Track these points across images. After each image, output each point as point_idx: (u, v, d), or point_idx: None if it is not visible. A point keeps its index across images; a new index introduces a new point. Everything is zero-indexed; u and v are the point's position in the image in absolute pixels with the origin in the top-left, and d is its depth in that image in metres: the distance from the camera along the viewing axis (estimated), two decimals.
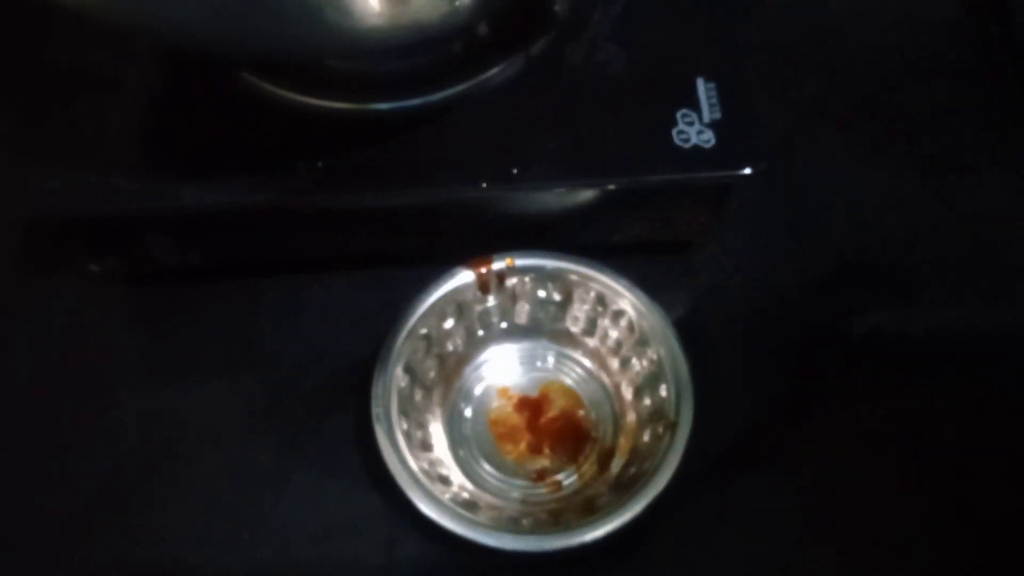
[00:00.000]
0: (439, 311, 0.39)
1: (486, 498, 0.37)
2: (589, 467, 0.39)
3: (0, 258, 0.45)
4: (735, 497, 0.38)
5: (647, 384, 0.38)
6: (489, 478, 0.39)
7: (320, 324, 0.43)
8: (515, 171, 0.37)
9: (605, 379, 0.40)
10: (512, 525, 0.35)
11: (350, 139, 0.38)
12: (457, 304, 0.39)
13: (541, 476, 0.38)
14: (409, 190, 0.38)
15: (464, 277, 0.39)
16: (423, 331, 0.38)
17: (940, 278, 0.43)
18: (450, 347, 0.40)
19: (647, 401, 0.38)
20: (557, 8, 0.41)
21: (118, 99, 0.39)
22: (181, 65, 0.40)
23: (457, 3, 0.31)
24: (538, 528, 0.35)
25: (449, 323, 0.39)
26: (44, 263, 0.45)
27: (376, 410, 0.36)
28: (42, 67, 0.40)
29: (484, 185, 0.37)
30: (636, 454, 0.37)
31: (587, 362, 0.41)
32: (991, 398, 0.40)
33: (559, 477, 0.38)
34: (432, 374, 0.40)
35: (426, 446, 0.38)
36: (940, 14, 0.51)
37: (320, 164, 0.37)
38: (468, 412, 0.40)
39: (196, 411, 0.41)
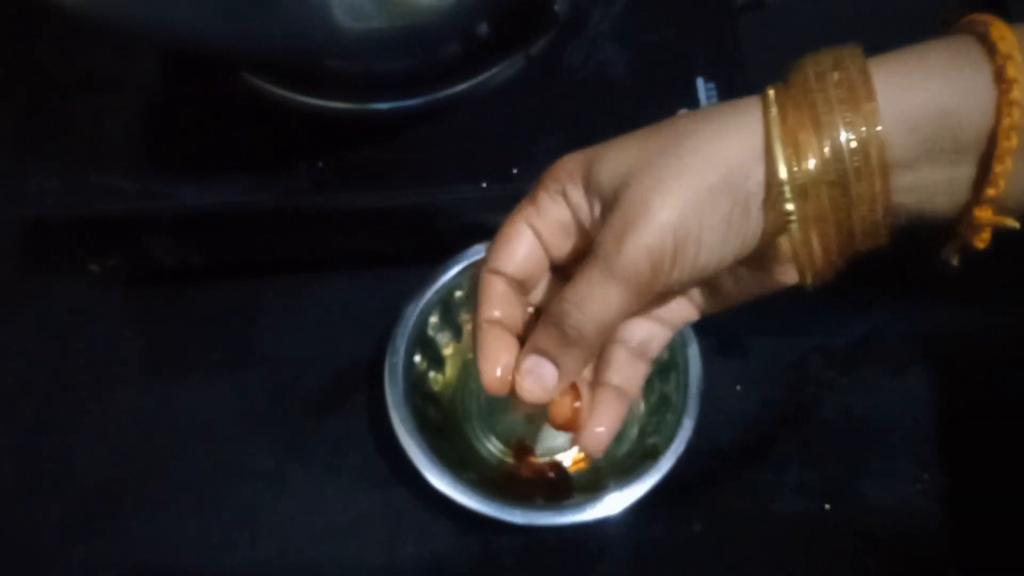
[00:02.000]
0: (458, 284, 0.39)
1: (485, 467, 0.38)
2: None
3: (0, 258, 0.45)
4: (734, 495, 0.38)
5: (658, 374, 0.38)
6: (494, 451, 0.39)
7: (320, 324, 0.43)
8: (515, 171, 0.37)
9: None
10: (517, 500, 0.35)
11: (350, 139, 0.38)
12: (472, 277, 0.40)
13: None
14: (409, 190, 0.38)
15: (481, 252, 0.39)
16: (439, 298, 0.39)
17: (940, 278, 0.43)
18: (466, 317, 0.41)
19: (656, 389, 0.39)
20: (557, 8, 0.41)
21: (118, 99, 0.39)
22: (181, 65, 0.40)
23: (457, 3, 0.31)
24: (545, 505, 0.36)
25: (464, 294, 0.40)
26: (44, 263, 0.45)
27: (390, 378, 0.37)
28: (42, 67, 0.40)
29: (484, 185, 0.37)
30: (643, 439, 0.38)
31: None
32: (991, 398, 0.40)
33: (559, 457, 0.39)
34: (446, 347, 0.40)
35: (437, 420, 0.39)
36: (940, 14, 0.51)
37: (320, 164, 0.37)
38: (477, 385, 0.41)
39: (196, 411, 0.41)
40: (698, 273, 0.26)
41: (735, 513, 0.38)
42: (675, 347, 0.37)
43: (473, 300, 0.29)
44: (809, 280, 0.28)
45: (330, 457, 0.40)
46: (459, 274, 0.39)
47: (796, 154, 0.24)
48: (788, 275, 0.29)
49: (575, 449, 0.39)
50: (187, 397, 0.41)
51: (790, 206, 0.25)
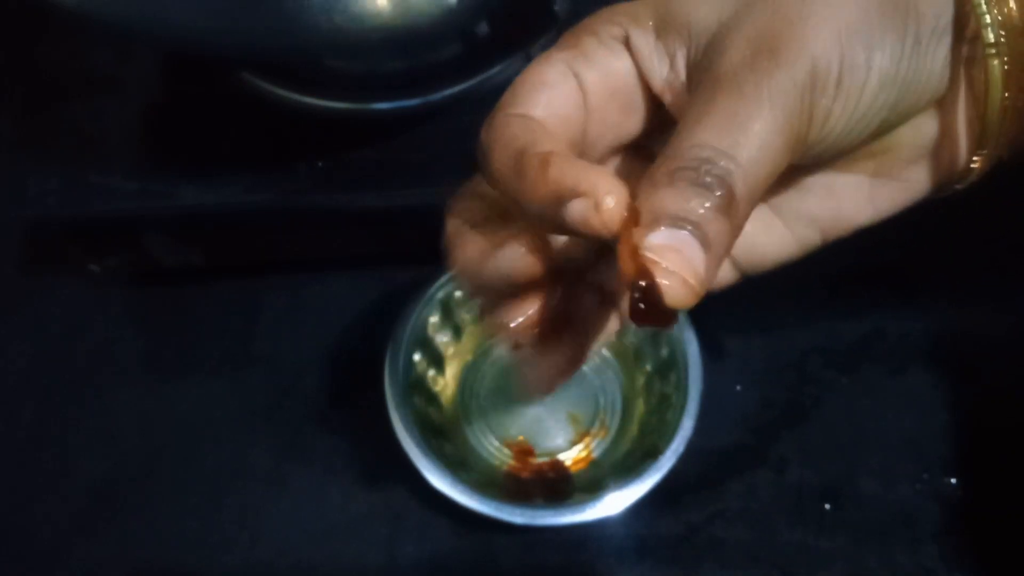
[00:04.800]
0: (456, 284, 0.39)
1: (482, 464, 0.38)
2: (598, 444, 0.39)
3: (0, 258, 0.45)
4: (734, 495, 0.38)
5: (657, 374, 0.39)
6: (494, 451, 0.39)
7: (320, 324, 0.43)
8: None
9: (618, 365, 0.41)
10: (517, 500, 0.35)
11: (350, 139, 0.38)
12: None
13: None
14: (409, 190, 0.38)
15: None
16: (440, 296, 0.39)
17: (940, 278, 0.43)
18: (466, 317, 0.41)
19: (656, 389, 0.39)
20: (557, 8, 0.41)
21: (118, 99, 0.39)
22: (181, 65, 0.40)
23: (457, 3, 0.31)
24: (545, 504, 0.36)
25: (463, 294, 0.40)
26: (44, 263, 0.45)
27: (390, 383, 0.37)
28: (42, 67, 0.40)
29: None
30: (643, 439, 0.38)
31: (603, 350, 0.41)
32: (991, 398, 0.40)
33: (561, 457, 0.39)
34: (446, 347, 0.40)
35: (437, 420, 0.39)
36: None
37: (320, 164, 0.37)
38: (484, 383, 0.41)
39: (196, 411, 0.41)
40: (858, 121, 0.19)
41: (735, 513, 0.38)
42: (675, 347, 0.37)
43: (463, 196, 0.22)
44: (973, 170, 0.21)
45: (330, 457, 0.40)
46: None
47: None
48: (919, 180, 0.23)
49: (575, 449, 0.39)
50: (187, 397, 0.41)
51: (989, 34, 0.19)
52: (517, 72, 0.39)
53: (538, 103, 0.20)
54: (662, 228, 0.17)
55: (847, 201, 0.23)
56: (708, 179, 0.17)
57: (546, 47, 0.40)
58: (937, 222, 0.45)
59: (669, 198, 0.18)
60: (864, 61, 0.18)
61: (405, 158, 0.38)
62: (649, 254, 0.17)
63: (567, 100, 0.20)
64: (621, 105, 0.21)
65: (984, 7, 0.19)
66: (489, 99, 0.39)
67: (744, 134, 0.18)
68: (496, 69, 0.40)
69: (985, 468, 0.39)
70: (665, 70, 0.20)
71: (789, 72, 0.18)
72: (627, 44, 0.20)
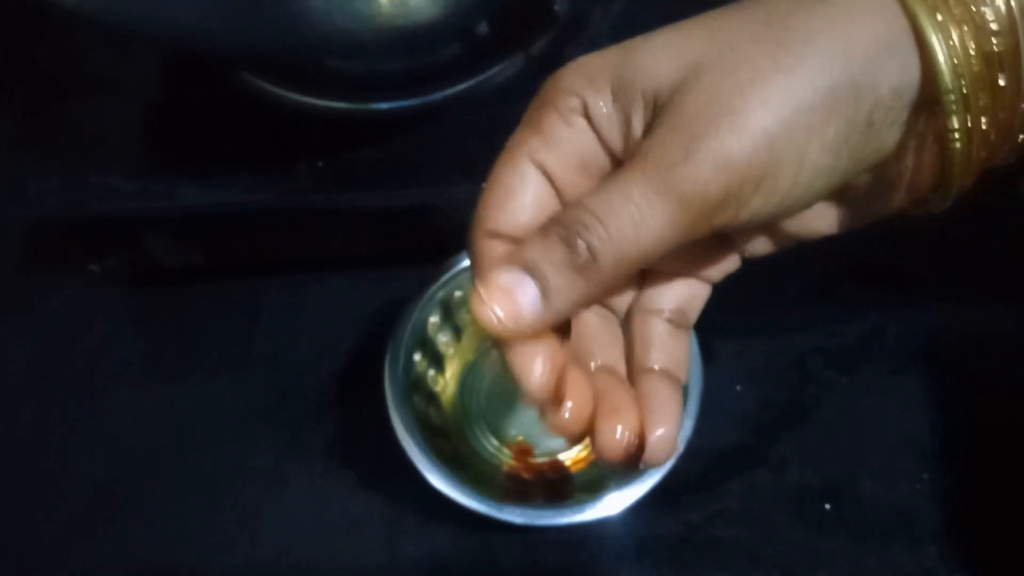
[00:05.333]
0: (458, 284, 0.39)
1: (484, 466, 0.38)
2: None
3: (0, 258, 0.45)
4: (734, 495, 0.38)
5: None
6: (494, 451, 0.39)
7: (320, 324, 0.43)
8: None
9: None
10: (517, 500, 0.35)
11: (350, 139, 0.38)
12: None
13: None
14: (409, 190, 0.38)
15: None
16: (440, 295, 0.39)
17: (940, 278, 0.43)
18: (466, 317, 0.41)
19: None
20: (557, 8, 0.41)
21: (118, 99, 0.39)
22: (181, 65, 0.40)
23: (457, 3, 0.31)
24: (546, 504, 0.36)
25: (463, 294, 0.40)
26: (44, 263, 0.45)
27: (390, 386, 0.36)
28: (42, 67, 0.40)
29: (484, 185, 0.37)
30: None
31: None
32: (991, 397, 0.40)
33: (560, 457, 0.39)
34: (446, 347, 0.40)
35: (437, 420, 0.39)
36: None
37: (320, 164, 0.37)
38: (484, 383, 0.41)
39: (196, 411, 0.41)
40: (783, 209, 0.19)
41: (735, 513, 0.38)
42: None
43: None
44: (938, 206, 0.21)
45: (330, 457, 0.40)
46: (459, 274, 0.39)
47: (956, 43, 0.17)
48: (889, 204, 0.22)
49: (575, 449, 0.39)
50: (187, 397, 0.41)
51: (955, 121, 0.18)
52: (517, 72, 0.40)
53: (501, 217, 0.21)
54: (513, 269, 0.19)
55: (812, 219, 0.23)
56: (578, 240, 0.19)
57: (546, 47, 0.40)
58: (937, 222, 0.45)
59: (533, 246, 0.19)
60: (796, 156, 0.18)
61: (405, 158, 0.38)
62: (482, 287, 0.19)
63: (532, 200, 0.21)
64: (594, 176, 0.21)
65: (953, 96, 0.18)
66: (489, 99, 0.39)
67: (627, 210, 0.18)
68: (496, 69, 0.40)
69: (985, 468, 0.39)
70: (623, 133, 0.20)
71: (701, 167, 0.18)
72: (586, 115, 0.21)
